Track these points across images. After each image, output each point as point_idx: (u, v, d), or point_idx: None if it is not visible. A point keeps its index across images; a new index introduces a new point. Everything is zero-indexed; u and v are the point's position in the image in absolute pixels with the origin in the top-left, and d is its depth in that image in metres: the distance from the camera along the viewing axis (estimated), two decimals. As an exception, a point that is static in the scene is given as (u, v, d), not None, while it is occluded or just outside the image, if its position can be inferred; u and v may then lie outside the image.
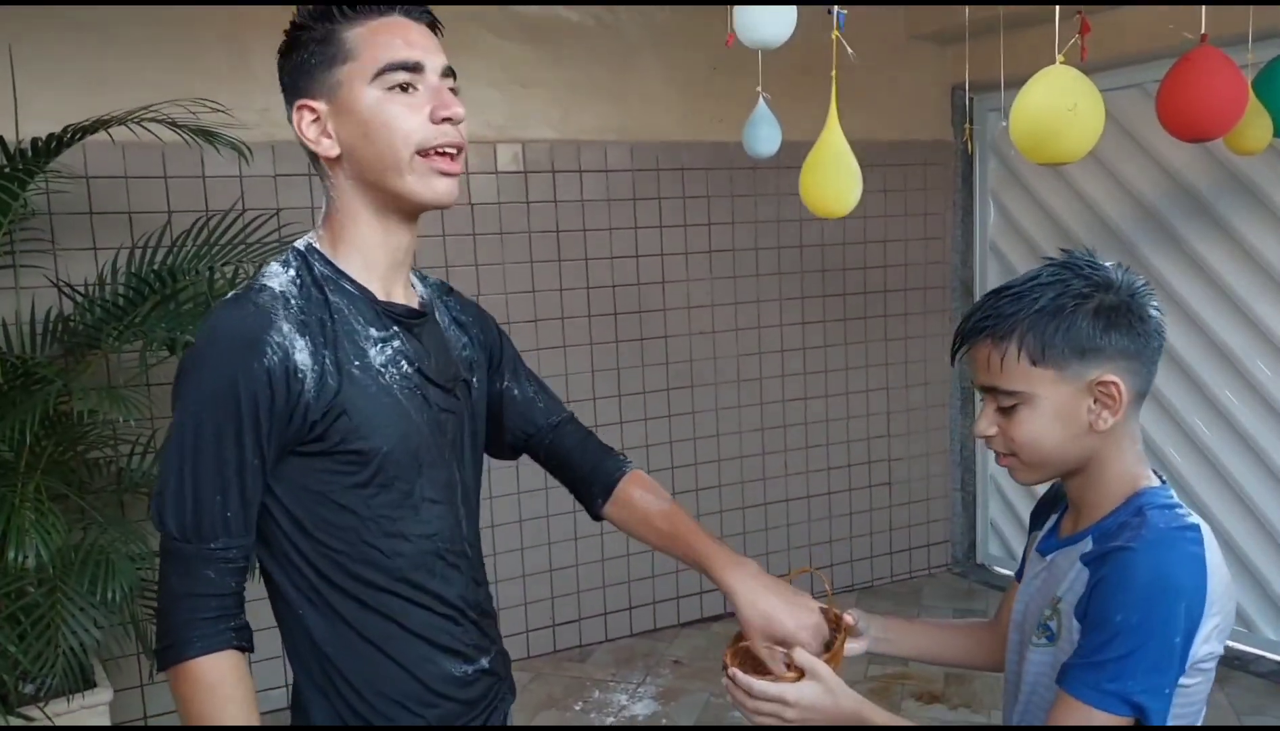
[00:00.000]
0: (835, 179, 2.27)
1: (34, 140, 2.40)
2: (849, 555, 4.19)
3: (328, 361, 1.07)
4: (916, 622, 1.45)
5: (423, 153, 1.09)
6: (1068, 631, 1.07)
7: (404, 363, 1.14)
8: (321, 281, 1.11)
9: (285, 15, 2.91)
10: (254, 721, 1.07)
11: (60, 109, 2.59)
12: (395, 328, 1.15)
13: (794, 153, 3.75)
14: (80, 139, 2.41)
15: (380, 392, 1.10)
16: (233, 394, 1.03)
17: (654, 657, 3.60)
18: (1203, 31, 2.25)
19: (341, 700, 1.14)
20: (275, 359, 1.04)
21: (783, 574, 1.34)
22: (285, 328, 1.06)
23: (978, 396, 3.88)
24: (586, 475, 1.38)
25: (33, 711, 2.37)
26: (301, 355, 1.06)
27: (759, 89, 2.68)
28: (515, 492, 3.50)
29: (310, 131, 1.11)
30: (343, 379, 1.07)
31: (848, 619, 1.29)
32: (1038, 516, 1.28)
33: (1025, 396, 1.08)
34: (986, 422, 1.12)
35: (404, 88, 1.08)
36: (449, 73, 1.13)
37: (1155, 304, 1.09)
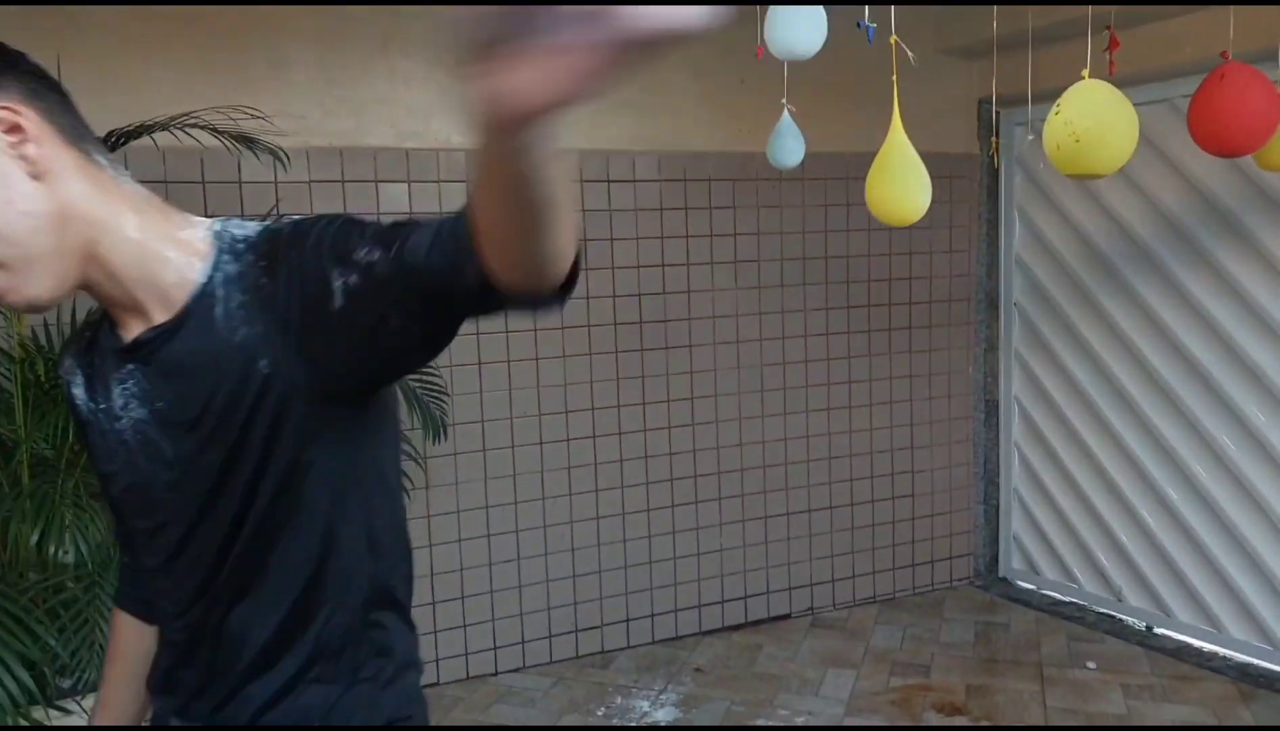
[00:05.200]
0: (903, 185, 2.29)
1: (80, 146, 2.46)
2: (871, 567, 4.19)
3: (88, 399, 1.07)
4: None
5: None
6: None
7: (136, 405, 1.02)
8: (98, 321, 1.09)
9: (325, 25, 2.96)
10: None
11: (105, 115, 2.65)
12: (130, 364, 1.02)
13: (818, 165, 3.80)
14: (124, 143, 2.47)
15: (115, 438, 1.04)
16: None
17: (676, 665, 3.62)
18: (1224, 50, 2.26)
19: None
20: (67, 389, 1.11)
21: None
22: (68, 363, 1.11)
23: (1002, 408, 3.88)
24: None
25: (69, 705, 2.42)
26: (77, 390, 1.09)
27: (784, 101, 2.70)
28: (540, 498, 3.54)
29: None
30: (95, 417, 1.06)
31: None
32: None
33: None
34: None
35: None
36: None
37: None
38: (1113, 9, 2.66)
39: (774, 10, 2.03)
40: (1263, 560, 3.42)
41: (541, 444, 3.52)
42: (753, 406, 3.89)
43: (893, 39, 2.17)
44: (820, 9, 2.04)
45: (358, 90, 3.16)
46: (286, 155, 2.60)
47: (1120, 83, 3.36)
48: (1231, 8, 2.59)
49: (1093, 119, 2.11)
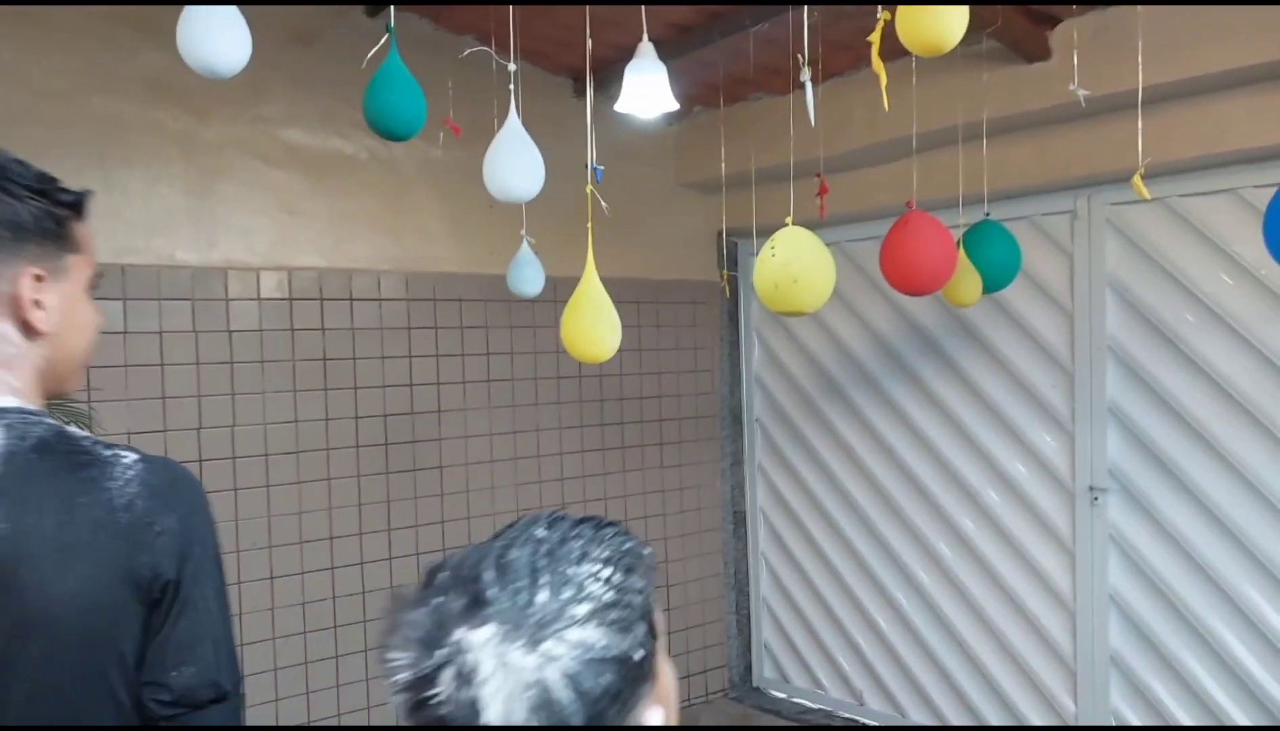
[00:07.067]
0: (594, 327, 2.36)
1: None
2: (629, 685, 4.15)
3: None
4: None
5: None
6: None
7: None
8: None
9: (33, 133, 2.60)
10: None
11: None
12: None
13: (566, 288, 3.83)
14: None
15: None
16: None
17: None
18: (909, 199, 2.53)
19: None
20: None
21: None
22: None
23: (749, 519, 3.98)
24: None
25: None
26: None
27: (523, 233, 2.76)
28: (270, 638, 3.27)
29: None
30: None
31: None
32: None
33: None
34: None
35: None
36: None
37: None
38: (820, 159, 2.92)
39: (490, 156, 2.07)
40: (980, 660, 3.70)
41: (272, 578, 3.27)
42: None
43: (589, 188, 2.26)
44: (539, 157, 2.10)
45: (66, 200, 2.91)
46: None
47: (831, 222, 3.69)
48: (916, 163, 2.92)
49: (808, 261, 2.27)
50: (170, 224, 3.09)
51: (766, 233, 3.13)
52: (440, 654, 0.69)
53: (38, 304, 1.08)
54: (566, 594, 0.72)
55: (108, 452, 1.06)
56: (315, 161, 3.35)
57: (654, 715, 0.75)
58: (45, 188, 1.09)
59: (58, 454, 1.04)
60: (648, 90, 2.24)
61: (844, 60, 3.41)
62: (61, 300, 1.10)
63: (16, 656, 0.99)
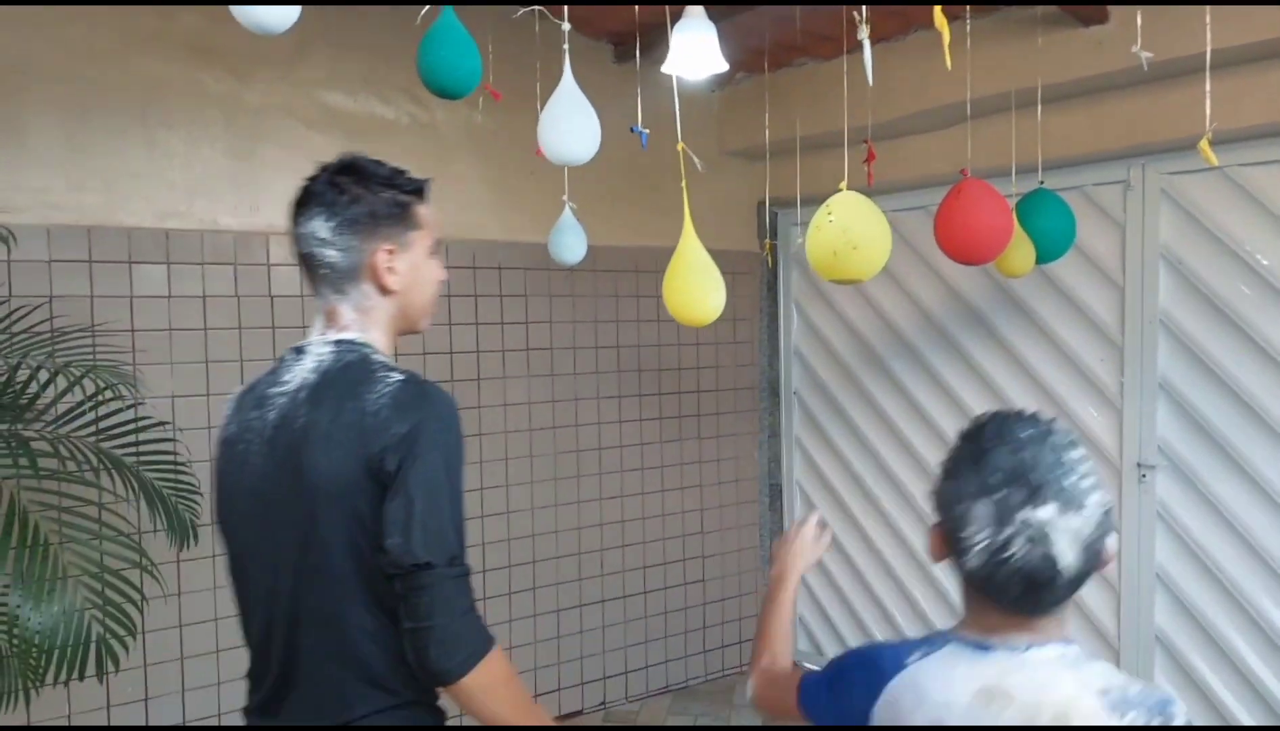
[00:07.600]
0: (697, 288, 2.31)
1: None
2: (664, 655, 4.16)
3: None
4: None
5: None
6: None
7: None
8: None
9: (71, 92, 2.73)
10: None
11: None
12: None
13: (608, 256, 3.86)
14: None
15: None
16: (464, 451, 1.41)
17: None
18: (964, 167, 2.46)
19: None
20: None
21: None
22: None
23: (785, 492, 3.95)
24: None
25: None
26: None
27: (565, 198, 2.72)
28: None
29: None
30: None
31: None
32: None
33: None
34: None
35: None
36: None
37: None
38: (869, 126, 2.86)
39: (545, 117, 2.04)
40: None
41: (314, 543, 3.29)
42: (546, 496, 3.82)
43: (680, 146, 2.22)
44: (594, 118, 2.06)
45: (109, 163, 2.93)
46: (12, 234, 2.35)
47: (878, 191, 3.62)
48: (969, 130, 2.85)
49: (865, 228, 2.22)
50: (212, 187, 3.09)
51: (810, 202, 3.09)
52: (1009, 529, 1.09)
53: (390, 270, 1.42)
54: (1075, 475, 1.10)
55: (381, 373, 1.36)
56: (356, 125, 3.34)
57: (1114, 538, 1.14)
58: (395, 181, 1.44)
59: (352, 373, 1.37)
60: (696, 50, 2.19)
61: (891, 26, 3.33)
62: (408, 266, 1.45)
63: (299, 510, 1.35)
